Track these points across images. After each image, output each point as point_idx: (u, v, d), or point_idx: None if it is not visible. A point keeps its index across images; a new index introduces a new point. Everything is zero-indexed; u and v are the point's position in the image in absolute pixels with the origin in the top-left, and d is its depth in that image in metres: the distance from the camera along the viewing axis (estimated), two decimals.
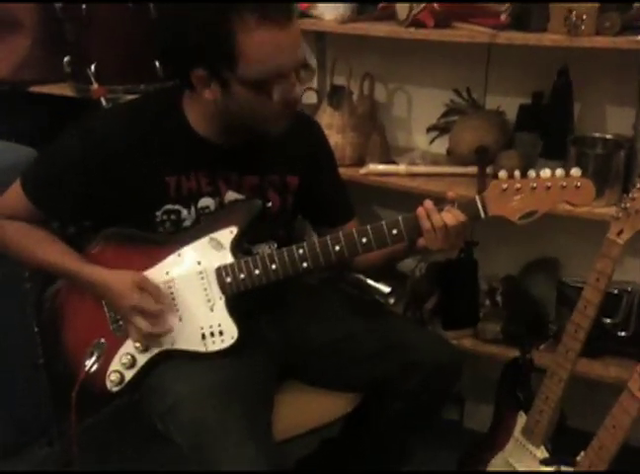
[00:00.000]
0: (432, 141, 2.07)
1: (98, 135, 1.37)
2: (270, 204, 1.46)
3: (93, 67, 2.03)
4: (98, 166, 1.36)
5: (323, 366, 1.52)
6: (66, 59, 2.11)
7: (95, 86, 2.03)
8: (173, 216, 1.40)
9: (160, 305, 1.36)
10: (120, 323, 1.42)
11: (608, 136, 1.76)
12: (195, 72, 1.27)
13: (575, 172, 1.30)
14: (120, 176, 1.37)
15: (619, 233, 1.35)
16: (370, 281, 2.00)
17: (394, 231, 1.34)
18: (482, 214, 1.32)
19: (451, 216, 1.31)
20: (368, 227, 1.35)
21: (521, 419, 1.59)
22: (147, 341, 1.39)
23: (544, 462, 1.51)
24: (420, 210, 1.33)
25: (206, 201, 1.41)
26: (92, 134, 1.38)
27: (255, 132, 1.36)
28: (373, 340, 1.50)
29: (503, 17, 1.67)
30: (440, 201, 1.35)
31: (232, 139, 1.39)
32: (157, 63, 2.07)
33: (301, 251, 1.35)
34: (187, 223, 1.41)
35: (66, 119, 1.44)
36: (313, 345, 1.51)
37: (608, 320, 1.77)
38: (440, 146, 2.04)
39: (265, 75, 1.25)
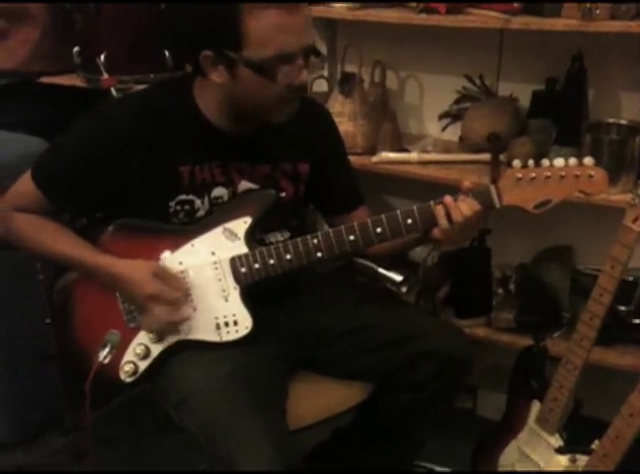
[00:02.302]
0: (444, 129, 2.06)
1: (111, 126, 1.36)
2: (283, 194, 1.45)
3: (102, 57, 2.03)
4: (111, 157, 1.36)
5: (337, 356, 1.52)
6: (76, 50, 2.11)
7: (105, 76, 2.03)
8: (187, 206, 1.39)
9: (178, 293, 1.36)
10: (135, 314, 1.42)
11: (623, 122, 1.74)
12: (202, 53, 1.28)
13: (588, 161, 1.30)
14: (134, 166, 1.36)
15: (635, 220, 1.33)
16: (382, 270, 1.99)
17: (409, 221, 1.33)
18: (497, 204, 1.32)
19: (467, 206, 1.30)
20: (383, 217, 1.34)
21: (535, 407, 1.59)
22: (165, 330, 1.39)
23: (559, 450, 1.51)
24: (438, 208, 1.32)
25: (220, 191, 1.41)
26: (105, 125, 1.37)
27: (260, 119, 1.35)
28: (387, 330, 1.49)
29: (516, 3, 1.66)
30: (455, 190, 1.34)
31: (242, 127, 1.38)
32: (167, 53, 2.07)
33: (316, 241, 1.35)
34: (200, 213, 1.41)
35: (76, 110, 1.43)
36: (327, 334, 1.51)
37: (623, 308, 1.75)
38: (453, 134, 2.03)
39: (269, 58, 1.24)
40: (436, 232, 1.34)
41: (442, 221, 1.31)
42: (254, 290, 1.38)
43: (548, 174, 1.30)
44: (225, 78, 1.29)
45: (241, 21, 1.22)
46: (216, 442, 1.29)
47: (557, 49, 1.79)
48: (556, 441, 1.53)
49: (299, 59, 1.27)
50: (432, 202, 1.33)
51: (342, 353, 1.52)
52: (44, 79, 2.19)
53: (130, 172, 1.36)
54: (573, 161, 1.30)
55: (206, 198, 1.40)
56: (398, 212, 1.34)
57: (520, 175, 1.30)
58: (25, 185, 1.43)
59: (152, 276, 1.35)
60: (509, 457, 1.66)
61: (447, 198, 1.32)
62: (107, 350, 1.41)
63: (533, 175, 1.30)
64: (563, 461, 1.50)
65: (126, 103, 1.47)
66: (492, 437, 1.73)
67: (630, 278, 1.75)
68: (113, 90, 2.01)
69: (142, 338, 1.41)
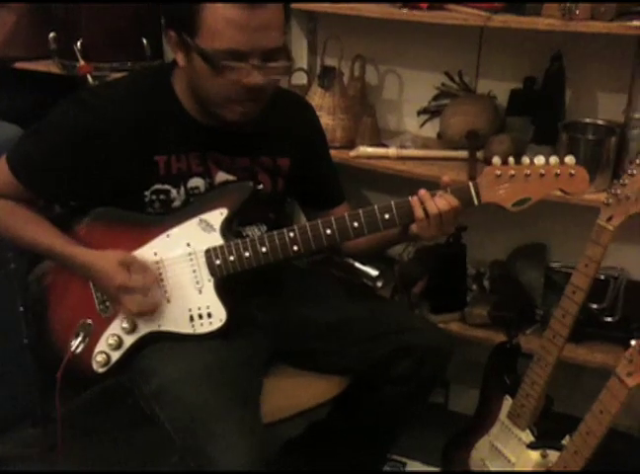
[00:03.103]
0: (422, 124, 2.06)
1: (89, 113, 1.34)
2: (261, 186, 1.45)
3: (79, 44, 2.00)
4: (88, 144, 1.34)
5: (315, 350, 1.52)
6: (52, 35, 2.07)
7: (81, 63, 2.00)
8: (162, 196, 1.38)
9: (146, 281, 1.34)
10: (107, 304, 1.40)
11: (600, 122, 1.75)
12: (168, 32, 1.29)
13: (569, 160, 1.31)
14: (111, 154, 1.34)
15: (609, 219, 1.35)
16: (358, 264, 1.99)
17: (386, 216, 1.33)
18: (475, 201, 1.32)
19: (445, 202, 1.30)
20: (360, 211, 1.34)
21: (507, 402, 1.60)
22: (138, 319, 1.37)
23: (531, 446, 1.52)
24: (414, 200, 1.32)
25: (196, 182, 1.40)
26: (85, 112, 1.35)
27: (215, 115, 1.33)
28: (366, 324, 1.50)
29: (497, 1, 1.66)
30: (433, 186, 1.34)
31: (216, 119, 1.36)
32: (145, 41, 2.04)
33: (292, 234, 1.34)
34: (176, 204, 1.40)
35: (52, 97, 1.41)
36: (305, 329, 1.51)
37: (595, 305, 1.78)
38: (431, 130, 2.04)
39: (218, 51, 1.23)
40: (413, 226, 1.34)
41: (419, 212, 1.31)
42: (230, 283, 1.37)
43: (528, 172, 1.30)
44: (184, 62, 1.29)
45: (201, 9, 1.22)
46: (190, 435, 1.28)
47: (536, 49, 1.80)
48: (527, 437, 1.54)
49: (253, 60, 1.24)
50: (409, 198, 1.33)
51: (322, 347, 1.52)
52: (19, 65, 2.15)
53: (108, 160, 1.35)
54: (554, 159, 1.30)
55: (182, 189, 1.39)
56: (376, 207, 1.33)
57: (499, 172, 1.30)
58: None
59: (119, 266, 1.33)
60: (480, 452, 1.67)
61: (422, 191, 1.32)
62: (79, 339, 1.39)
63: (512, 172, 1.30)
64: (534, 456, 1.51)
65: (107, 91, 1.44)
66: (464, 432, 1.74)
67: (602, 277, 1.77)
68: (89, 77, 1.98)
69: (115, 328, 1.39)
